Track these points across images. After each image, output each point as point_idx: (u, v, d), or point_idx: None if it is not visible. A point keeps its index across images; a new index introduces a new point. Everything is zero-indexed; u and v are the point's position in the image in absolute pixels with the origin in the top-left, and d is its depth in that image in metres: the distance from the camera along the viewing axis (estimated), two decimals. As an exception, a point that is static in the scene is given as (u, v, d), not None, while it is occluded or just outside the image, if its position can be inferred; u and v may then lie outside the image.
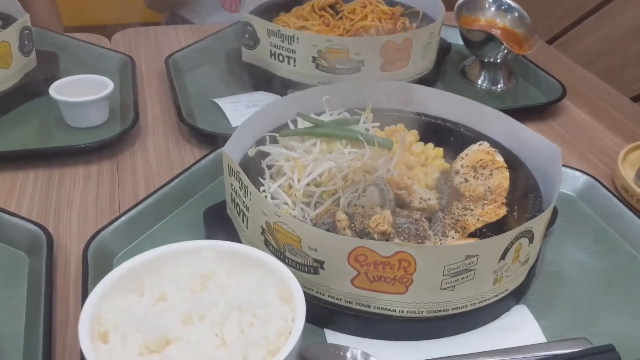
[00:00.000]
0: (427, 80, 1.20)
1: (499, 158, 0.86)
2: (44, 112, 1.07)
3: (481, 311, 0.71)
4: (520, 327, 0.72)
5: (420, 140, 0.94)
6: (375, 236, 0.72)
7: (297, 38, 1.10)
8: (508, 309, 0.74)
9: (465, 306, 0.69)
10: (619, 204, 0.89)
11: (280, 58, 1.13)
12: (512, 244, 0.68)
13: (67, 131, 1.04)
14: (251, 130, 0.85)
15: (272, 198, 0.80)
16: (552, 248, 0.84)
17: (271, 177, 0.83)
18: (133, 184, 0.94)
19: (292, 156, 0.81)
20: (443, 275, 0.66)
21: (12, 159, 0.96)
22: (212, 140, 1.01)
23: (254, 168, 0.82)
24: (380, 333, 0.70)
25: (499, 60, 1.23)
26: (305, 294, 0.69)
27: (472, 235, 0.77)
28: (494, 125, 0.90)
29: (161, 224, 0.85)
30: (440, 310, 0.68)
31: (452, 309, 0.69)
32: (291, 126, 0.86)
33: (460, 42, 1.29)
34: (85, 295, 0.70)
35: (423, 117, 0.95)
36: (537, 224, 0.70)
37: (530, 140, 0.85)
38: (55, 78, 1.10)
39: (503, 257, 0.68)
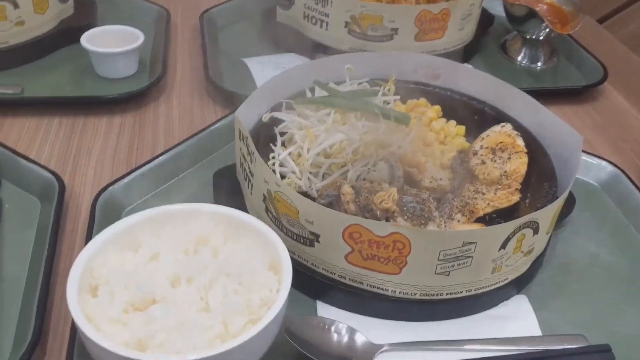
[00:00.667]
0: (463, 52, 1.17)
1: (520, 142, 0.83)
2: (76, 60, 1.08)
3: (477, 298, 0.69)
4: (516, 317, 0.71)
5: (443, 116, 0.91)
6: (378, 213, 0.71)
7: (331, 1, 1.08)
8: (507, 298, 0.72)
9: (461, 292, 0.68)
10: (644, 200, 0.86)
11: (313, 20, 1.11)
12: (514, 233, 0.66)
13: (96, 81, 1.05)
14: (268, 95, 0.84)
15: (281, 166, 0.80)
16: (565, 239, 0.82)
17: (283, 144, 0.82)
18: (153, 139, 0.95)
19: (304, 125, 0.80)
20: (438, 260, 0.65)
21: (38, 104, 0.99)
22: (235, 100, 1.00)
23: (267, 134, 0.82)
24: (371, 310, 0.69)
25: (541, 38, 1.18)
26: (300, 264, 0.70)
27: (479, 220, 0.75)
28: (520, 107, 0.87)
29: (173, 181, 0.86)
30: (433, 294, 0.68)
31: (446, 294, 0.68)
32: (308, 94, 0.85)
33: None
34: (88, 246, 0.72)
35: (448, 93, 0.93)
36: (543, 215, 0.68)
37: (553, 125, 0.82)
38: (91, 26, 1.11)
39: (503, 246, 0.66)
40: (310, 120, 0.81)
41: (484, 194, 0.78)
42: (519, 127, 0.86)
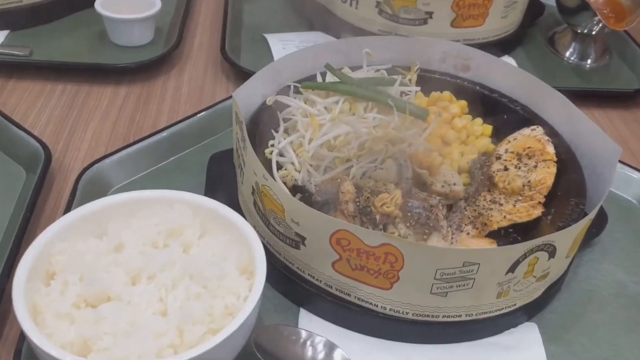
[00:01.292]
0: (505, 43, 1.08)
1: (550, 149, 0.74)
2: (90, 25, 1.03)
3: (478, 324, 0.62)
4: (522, 347, 0.63)
5: (469, 113, 0.83)
6: (377, 217, 0.64)
7: (363, -23, 0.99)
8: (514, 326, 0.64)
9: (459, 315, 0.61)
10: (687, 225, 0.76)
11: (343, -2, 1.03)
12: (525, 256, 0.58)
13: (108, 48, 1.00)
14: (276, 76, 0.77)
15: (280, 155, 0.73)
16: (591, 261, 0.73)
17: (286, 131, 0.75)
18: (156, 113, 0.89)
19: (309, 112, 0.73)
20: (435, 279, 0.57)
21: (44, 69, 0.94)
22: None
23: (270, 119, 0.75)
24: (357, 325, 0.62)
25: (593, 33, 1.07)
26: (285, 267, 0.64)
27: (492, 234, 0.67)
28: (555, 109, 0.78)
29: (168, 162, 0.81)
30: (428, 315, 0.60)
31: (443, 317, 0.60)
32: (319, 78, 0.78)
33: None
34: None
35: (477, 88, 0.84)
36: (562, 238, 0.59)
37: (590, 133, 0.72)
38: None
39: (512, 270, 0.58)
40: (317, 107, 0.74)
41: (501, 204, 0.69)
42: (551, 131, 0.77)
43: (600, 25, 1.04)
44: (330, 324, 0.63)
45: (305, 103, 0.75)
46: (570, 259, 0.67)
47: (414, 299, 0.59)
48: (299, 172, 0.71)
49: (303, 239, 0.60)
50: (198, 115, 0.84)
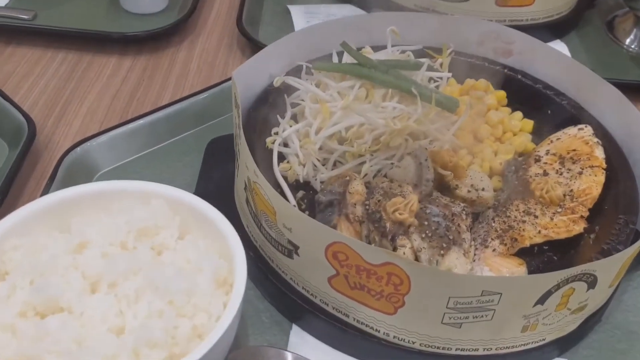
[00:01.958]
0: (556, 26, 0.97)
1: (599, 153, 0.64)
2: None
3: (498, 359, 0.52)
4: (549, 391, 0.53)
5: (507, 106, 0.72)
6: (387, 225, 0.55)
7: (399, -54, 0.89)
8: (542, 362, 0.55)
9: (476, 349, 0.51)
10: None
11: (380, -33, 0.93)
12: (557, 287, 0.48)
13: (117, 15, 0.92)
14: (287, 53, 0.68)
15: (285, 145, 0.64)
16: (638, 289, 0.62)
17: (294, 118, 0.66)
18: (160, 89, 0.81)
19: (319, 97, 0.64)
20: (447, 307, 0.48)
21: (45, 34, 0.87)
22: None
23: (276, 102, 0.66)
24: (356, 351, 0.54)
25: (659, 18, 0.94)
26: (278, 277, 0.56)
27: (523, 252, 0.57)
28: (609, 107, 0.67)
29: (165, 144, 0.73)
30: (438, 347, 0.51)
31: (456, 349, 0.51)
32: (335, 59, 0.68)
33: (618, -15, 1.01)
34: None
35: (519, 76, 0.73)
36: (606, 268, 0.49)
37: (649, 138, 0.61)
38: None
39: (541, 301, 0.48)
40: (329, 92, 0.64)
41: (536, 217, 0.59)
42: (602, 132, 0.66)
43: (668, 9, 0.91)
44: (325, 346, 0.55)
45: (317, 87, 0.66)
46: (614, 288, 0.57)
47: (422, 327, 0.50)
48: (304, 166, 0.62)
49: (296, 247, 0.52)
50: (204, 93, 0.76)
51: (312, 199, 0.61)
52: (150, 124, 0.72)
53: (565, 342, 0.55)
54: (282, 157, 0.63)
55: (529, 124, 0.71)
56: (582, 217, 0.59)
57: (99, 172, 0.68)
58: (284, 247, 0.53)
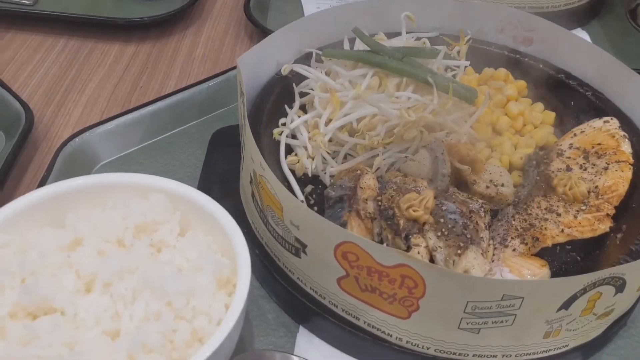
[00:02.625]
0: (578, 14, 0.94)
1: (626, 147, 0.60)
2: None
3: (518, 366, 0.49)
4: (572, 399, 0.50)
5: (528, 96, 0.69)
6: (401, 222, 0.52)
7: None
8: (564, 369, 0.52)
9: (494, 356, 0.48)
10: None
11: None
12: (584, 291, 0.45)
13: (121, 0, 0.89)
14: (296, 39, 0.65)
15: (293, 137, 0.61)
16: (667, 290, 0.59)
17: (302, 108, 0.63)
18: (163, 76, 0.79)
19: (329, 86, 0.61)
20: (464, 312, 0.45)
21: (45, 20, 0.84)
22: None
23: (284, 91, 0.63)
24: (366, 356, 0.51)
25: (686, 5, 0.90)
26: (285, 276, 0.53)
27: (545, 252, 0.54)
28: (636, 99, 0.63)
29: (168, 134, 0.70)
30: (454, 353, 0.48)
31: (473, 356, 0.48)
32: (346, 45, 0.65)
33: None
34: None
35: (540, 66, 0.70)
36: (636, 271, 0.46)
37: (680, 132, 0.58)
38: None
39: (565, 306, 0.45)
40: (340, 81, 0.61)
41: (559, 214, 0.56)
42: (628, 125, 0.62)
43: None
44: (334, 349, 0.52)
45: (327, 75, 0.62)
46: (642, 292, 0.53)
47: (437, 332, 0.47)
48: (312, 159, 0.59)
49: (304, 246, 0.49)
50: (209, 82, 0.73)
51: (321, 194, 0.58)
52: (153, 113, 0.70)
53: (589, 349, 0.52)
54: (289, 150, 0.60)
55: (551, 115, 0.67)
56: (607, 215, 0.56)
57: (99, 163, 0.66)
58: (291, 245, 0.50)
